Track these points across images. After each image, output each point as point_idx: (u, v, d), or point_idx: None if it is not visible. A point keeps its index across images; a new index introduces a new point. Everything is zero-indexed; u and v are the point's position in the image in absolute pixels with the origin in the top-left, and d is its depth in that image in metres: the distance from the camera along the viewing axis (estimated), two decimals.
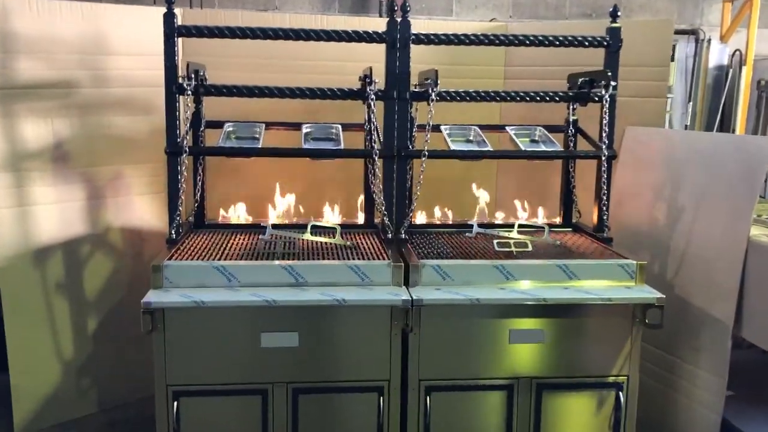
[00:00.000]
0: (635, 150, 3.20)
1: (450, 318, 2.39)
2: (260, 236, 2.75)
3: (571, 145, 3.03)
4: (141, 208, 3.25)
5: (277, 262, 2.42)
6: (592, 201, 2.88)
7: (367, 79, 2.61)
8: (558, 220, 3.16)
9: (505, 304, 2.38)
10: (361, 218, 3.09)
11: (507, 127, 2.98)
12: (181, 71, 2.61)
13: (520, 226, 2.88)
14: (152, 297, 2.28)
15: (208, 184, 3.04)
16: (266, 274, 2.38)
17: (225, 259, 2.45)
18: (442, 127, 2.91)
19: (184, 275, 2.35)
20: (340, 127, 2.91)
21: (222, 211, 3.09)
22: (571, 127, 3.02)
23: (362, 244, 2.72)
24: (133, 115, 3.19)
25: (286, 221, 3.05)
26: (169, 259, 2.41)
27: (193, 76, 2.57)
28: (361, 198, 3.07)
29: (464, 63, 3.54)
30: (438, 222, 3.15)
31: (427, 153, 2.62)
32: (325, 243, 2.71)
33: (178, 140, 2.60)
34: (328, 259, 2.49)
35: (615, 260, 2.52)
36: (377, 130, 2.76)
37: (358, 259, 2.50)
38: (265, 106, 3.00)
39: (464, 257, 2.57)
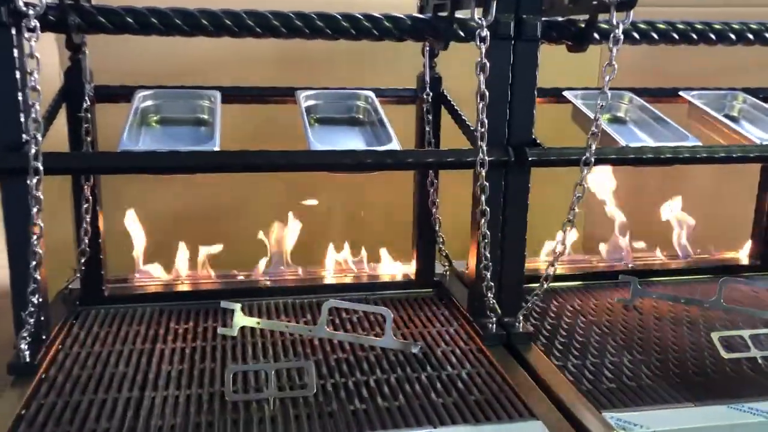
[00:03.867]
0: None
1: None
2: (219, 329, 1.31)
3: None
4: None
5: None
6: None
7: None
8: (743, 258, 1.81)
9: None
10: (399, 263, 1.67)
11: (684, 93, 1.59)
12: None
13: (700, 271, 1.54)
14: None
15: (118, 201, 1.56)
16: None
17: None
18: (567, 93, 1.51)
19: None
20: (373, 95, 1.45)
21: (137, 259, 1.60)
22: None
23: (435, 342, 1.31)
24: None
25: (266, 281, 1.59)
26: None
27: None
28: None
29: None
30: (540, 266, 1.74)
31: (593, 156, 1.19)
32: (362, 347, 1.28)
33: (25, 139, 1.10)
34: (384, 424, 1.06)
35: None
36: (456, 109, 1.33)
37: (454, 417, 1.08)
38: (222, 54, 1.53)
39: (658, 373, 1.19)
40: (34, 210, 1.05)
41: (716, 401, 1.12)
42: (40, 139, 1.05)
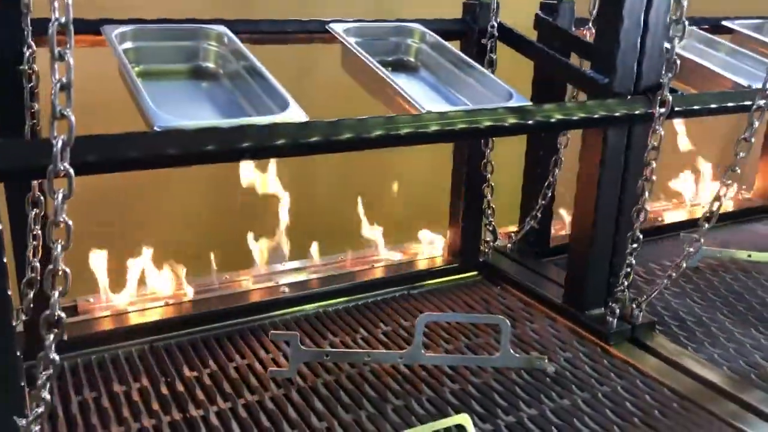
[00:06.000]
0: None
1: None
2: (270, 370, 0.92)
3: None
4: None
5: None
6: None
7: None
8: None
9: None
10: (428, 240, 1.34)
11: (729, 22, 1.41)
12: None
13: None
14: None
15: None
16: None
17: None
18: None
19: None
20: (429, 31, 1.09)
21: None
22: None
23: (544, 347, 1.02)
24: None
25: (284, 288, 1.18)
26: None
27: None
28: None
29: None
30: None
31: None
32: (467, 369, 0.96)
33: None
34: None
35: None
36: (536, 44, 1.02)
37: None
38: None
39: None
40: None
41: None
42: None
